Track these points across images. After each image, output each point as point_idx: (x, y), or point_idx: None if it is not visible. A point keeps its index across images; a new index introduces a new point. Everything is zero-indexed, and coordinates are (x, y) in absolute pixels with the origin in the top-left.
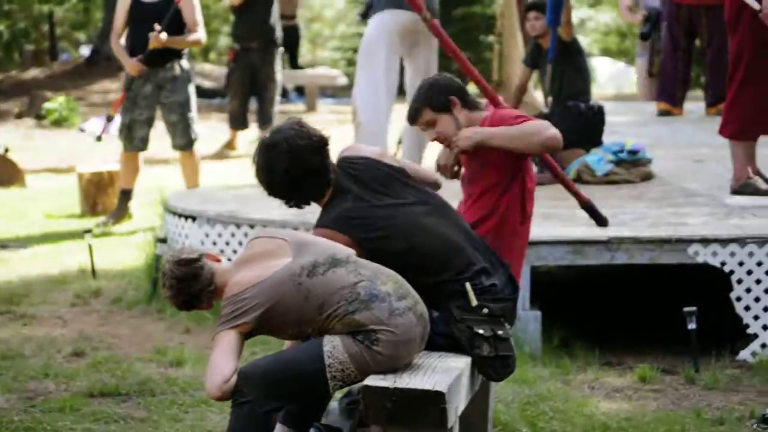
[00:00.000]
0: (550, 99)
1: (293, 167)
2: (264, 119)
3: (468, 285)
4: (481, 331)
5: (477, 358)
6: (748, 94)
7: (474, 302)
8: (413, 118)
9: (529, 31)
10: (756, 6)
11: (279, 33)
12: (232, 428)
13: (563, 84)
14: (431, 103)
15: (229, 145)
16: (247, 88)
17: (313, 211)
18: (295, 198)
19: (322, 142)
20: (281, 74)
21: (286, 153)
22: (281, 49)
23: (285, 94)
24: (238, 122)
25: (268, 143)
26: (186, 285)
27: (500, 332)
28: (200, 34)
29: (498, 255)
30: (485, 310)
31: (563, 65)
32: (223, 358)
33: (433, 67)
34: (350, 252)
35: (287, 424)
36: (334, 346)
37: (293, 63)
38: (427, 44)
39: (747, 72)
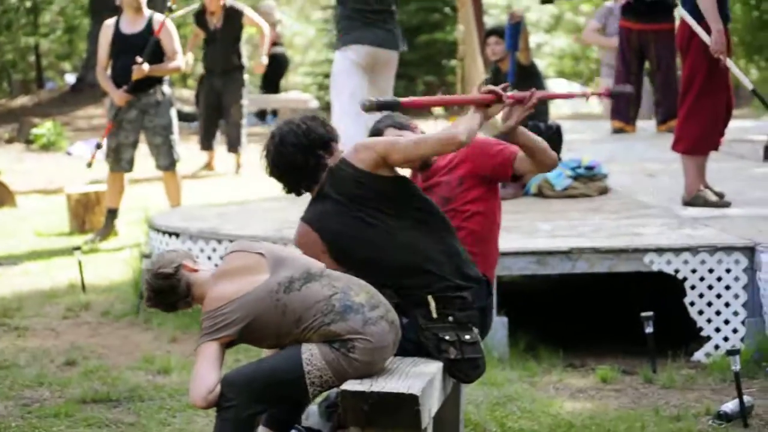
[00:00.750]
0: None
1: (279, 161)
2: (231, 142)
3: (430, 297)
4: (447, 337)
5: (445, 361)
6: (701, 112)
7: (434, 314)
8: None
9: (490, 55)
10: (707, 40)
11: (244, 61)
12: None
13: None
14: (394, 122)
15: (208, 165)
16: (211, 112)
17: (291, 227)
18: (285, 186)
19: (312, 144)
20: (247, 99)
21: (276, 146)
22: (246, 76)
23: (263, 116)
24: (204, 142)
25: (271, 132)
26: (164, 296)
27: (467, 337)
28: (179, 62)
29: (476, 269)
30: (450, 318)
31: (522, 87)
32: (206, 370)
33: (390, 88)
34: (322, 266)
35: (270, 426)
36: (312, 354)
37: (275, 88)
38: (385, 70)
39: (700, 91)
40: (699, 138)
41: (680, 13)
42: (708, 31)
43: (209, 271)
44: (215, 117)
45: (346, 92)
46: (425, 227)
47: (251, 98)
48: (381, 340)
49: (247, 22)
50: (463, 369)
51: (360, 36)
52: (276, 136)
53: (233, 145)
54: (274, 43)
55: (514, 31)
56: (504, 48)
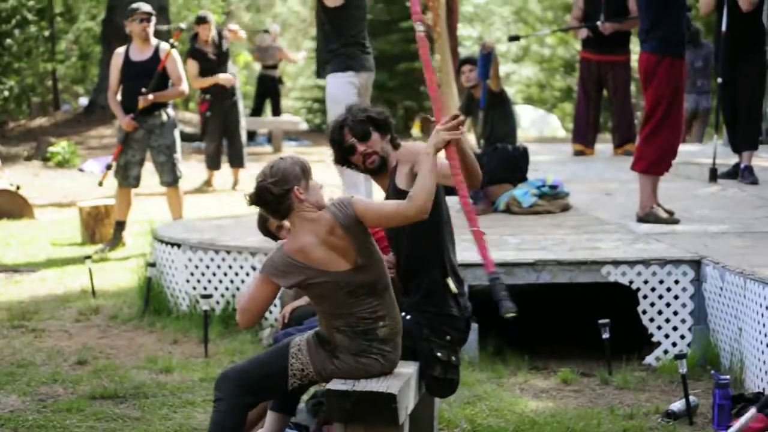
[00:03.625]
0: (482, 141)
1: (256, 198)
2: (235, 159)
3: (449, 279)
4: (439, 354)
5: (428, 377)
6: (661, 135)
7: (454, 290)
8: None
9: (464, 82)
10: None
11: (237, 88)
12: (213, 421)
13: (493, 128)
14: None
15: (207, 182)
16: (221, 134)
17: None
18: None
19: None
20: (245, 120)
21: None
22: (242, 101)
23: (252, 137)
24: (214, 163)
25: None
26: (263, 205)
27: (453, 359)
28: (183, 87)
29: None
30: (448, 337)
31: (492, 112)
32: (246, 297)
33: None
34: (388, 281)
35: (279, 411)
36: (299, 349)
37: (275, 110)
38: (368, 92)
39: (661, 117)
40: (656, 159)
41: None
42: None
43: (314, 217)
44: (222, 139)
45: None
46: (447, 228)
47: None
48: (365, 369)
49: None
50: (442, 387)
51: (360, 64)
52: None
53: (237, 161)
54: (266, 66)
55: (486, 60)
56: (476, 76)
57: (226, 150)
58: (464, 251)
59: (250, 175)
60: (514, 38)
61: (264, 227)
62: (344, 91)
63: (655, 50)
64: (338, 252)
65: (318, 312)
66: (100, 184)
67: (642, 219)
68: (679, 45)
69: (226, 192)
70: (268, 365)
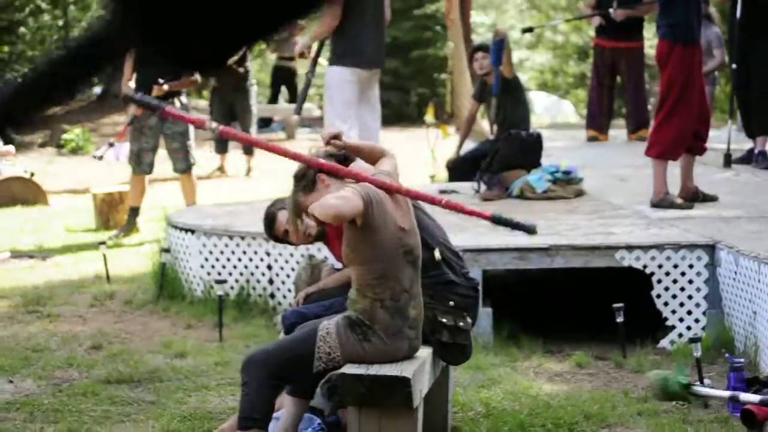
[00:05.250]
0: (495, 127)
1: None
2: (245, 145)
3: (437, 250)
4: (444, 320)
5: (437, 343)
6: (674, 121)
7: (438, 257)
8: None
9: (477, 69)
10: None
11: (250, 76)
12: (241, 405)
13: (506, 114)
14: None
15: (220, 169)
16: (225, 118)
17: None
18: None
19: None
20: (256, 107)
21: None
22: (255, 87)
23: (268, 124)
24: (220, 146)
25: None
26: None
27: (461, 323)
28: (195, 75)
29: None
30: (451, 302)
31: (505, 98)
32: (335, 196)
33: (376, 99)
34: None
35: (293, 395)
36: (328, 332)
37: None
38: (373, 86)
39: (675, 103)
40: (670, 145)
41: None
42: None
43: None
44: (226, 124)
45: (341, 105)
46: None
47: (258, 107)
48: (394, 353)
49: None
50: (452, 352)
51: (366, 60)
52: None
53: (251, 148)
54: (281, 57)
55: (498, 47)
56: (489, 62)
57: None
58: (479, 236)
59: (260, 162)
60: (527, 30)
61: (270, 230)
62: (337, 85)
63: (667, 36)
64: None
65: (363, 286)
66: (100, 158)
67: (656, 205)
68: (689, 30)
69: (240, 178)
70: (295, 348)
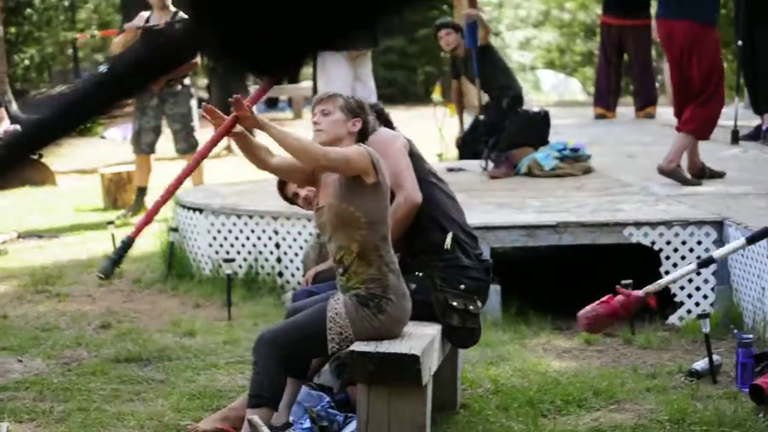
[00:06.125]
0: (485, 100)
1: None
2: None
3: (449, 235)
4: (454, 304)
5: (446, 326)
6: (712, 104)
7: (447, 244)
8: None
9: (444, 47)
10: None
11: None
12: (252, 384)
13: (491, 85)
14: None
15: (227, 148)
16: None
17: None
18: None
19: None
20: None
21: None
22: None
23: (275, 104)
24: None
25: None
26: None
27: (471, 307)
28: (196, 58)
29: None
30: (462, 286)
31: (486, 69)
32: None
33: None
34: None
35: (293, 376)
36: (337, 312)
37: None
38: (364, 64)
39: (716, 87)
40: (703, 125)
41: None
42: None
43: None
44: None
45: (334, 79)
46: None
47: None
48: (404, 315)
49: None
50: (461, 336)
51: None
52: None
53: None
54: None
55: (471, 30)
56: (456, 37)
57: None
58: (487, 213)
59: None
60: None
61: (282, 191)
62: (334, 65)
63: (696, 17)
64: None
65: (368, 251)
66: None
67: (664, 171)
68: (716, 11)
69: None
70: (305, 329)
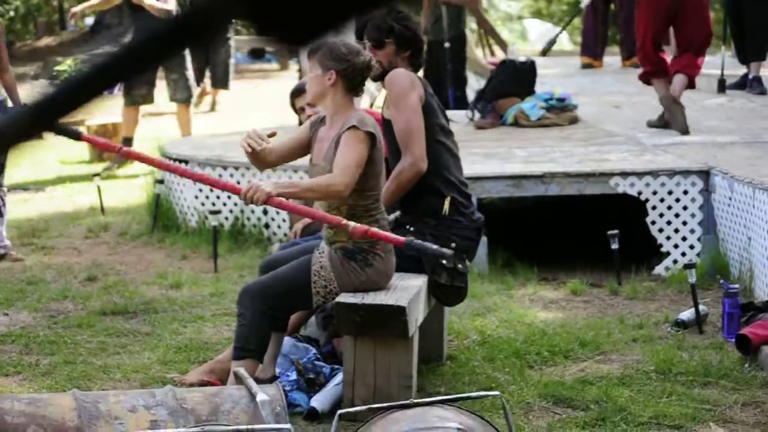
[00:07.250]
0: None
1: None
2: (215, 80)
3: (448, 199)
4: (444, 261)
5: (434, 284)
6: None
7: (446, 212)
8: None
9: None
10: None
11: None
12: (237, 335)
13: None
14: None
15: (213, 103)
16: (199, 72)
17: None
18: None
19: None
20: (233, 41)
21: None
22: (233, 41)
23: (261, 55)
24: (198, 80)
25: None
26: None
27: (460, 266)
28: (169, 5)
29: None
30: (453, 245)
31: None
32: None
33: None
34: None
35: (277, 329)
36: (322, 266)
37: None
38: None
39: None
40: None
41: None
42: None
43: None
44: (205, 57)
45: None
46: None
47: (247, 39)
48: (390, 269)
49: None
50: (447, 294)
51: None
52: None
53: (218, 83)
54: None
55: None
56: None
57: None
58: (474, 164)
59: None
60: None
61: (292, 99)
62: None
63: None
64: None
65: (360, 211)
66: None
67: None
68: None
69: (234, 109)
70: (290, 282)
